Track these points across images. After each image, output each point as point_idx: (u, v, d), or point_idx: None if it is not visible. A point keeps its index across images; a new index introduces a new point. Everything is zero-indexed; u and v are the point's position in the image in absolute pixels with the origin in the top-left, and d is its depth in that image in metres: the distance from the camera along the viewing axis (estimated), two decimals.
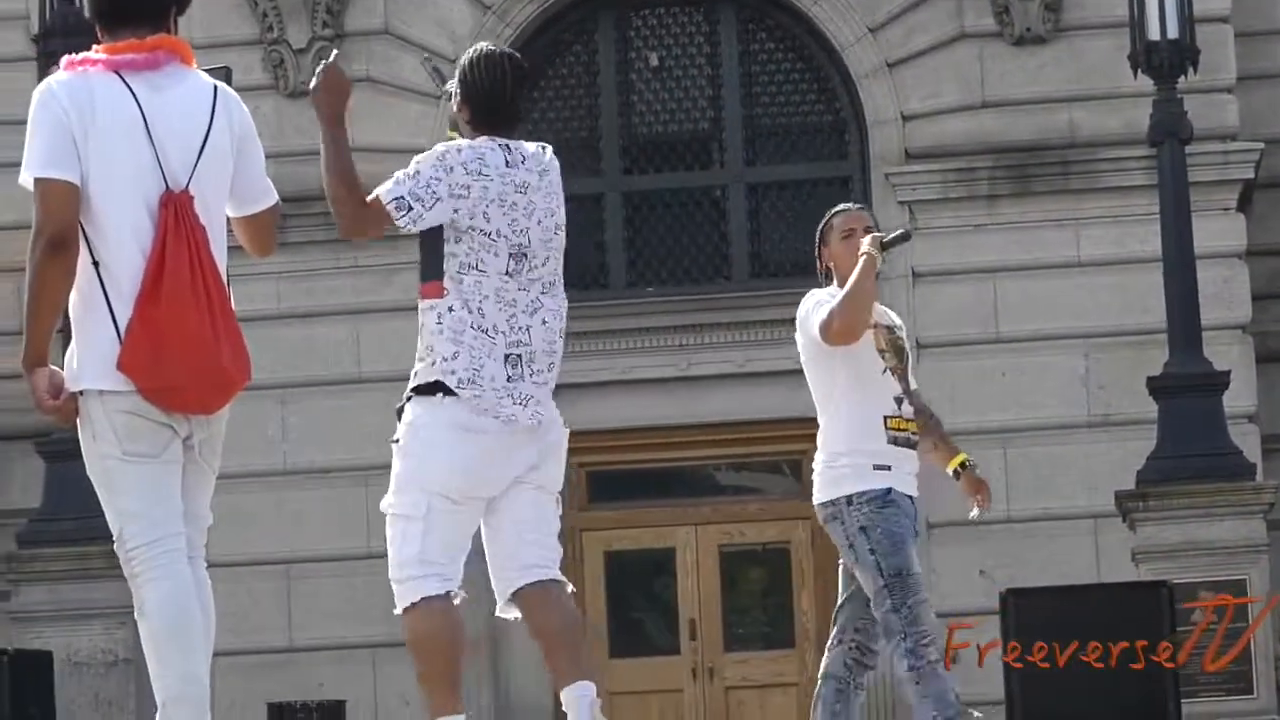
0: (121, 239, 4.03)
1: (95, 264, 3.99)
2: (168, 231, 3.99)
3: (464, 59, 4.74)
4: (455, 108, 4.72)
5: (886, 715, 13.96)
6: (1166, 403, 12.17)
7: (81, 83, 4.06)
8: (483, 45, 4.92)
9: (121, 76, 4.06)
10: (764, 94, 14.44)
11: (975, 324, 13.75)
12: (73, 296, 3.98)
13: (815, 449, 15.08)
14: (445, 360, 4.44)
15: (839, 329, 5.80)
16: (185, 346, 3.99)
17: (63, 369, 3.89)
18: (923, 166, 14.03)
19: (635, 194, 14.79)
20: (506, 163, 4.56)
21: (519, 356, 4.49)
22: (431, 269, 4.61)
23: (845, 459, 5.97)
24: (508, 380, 4.45)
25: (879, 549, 5.83)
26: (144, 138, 4.02)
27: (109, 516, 4.14)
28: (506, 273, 4.57)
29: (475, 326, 4.46)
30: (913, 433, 6.02)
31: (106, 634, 11.60)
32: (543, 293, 4.65)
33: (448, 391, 4.42)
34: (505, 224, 4.57)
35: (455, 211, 4.48)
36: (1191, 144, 12.32)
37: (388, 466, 4.79)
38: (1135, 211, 13.28)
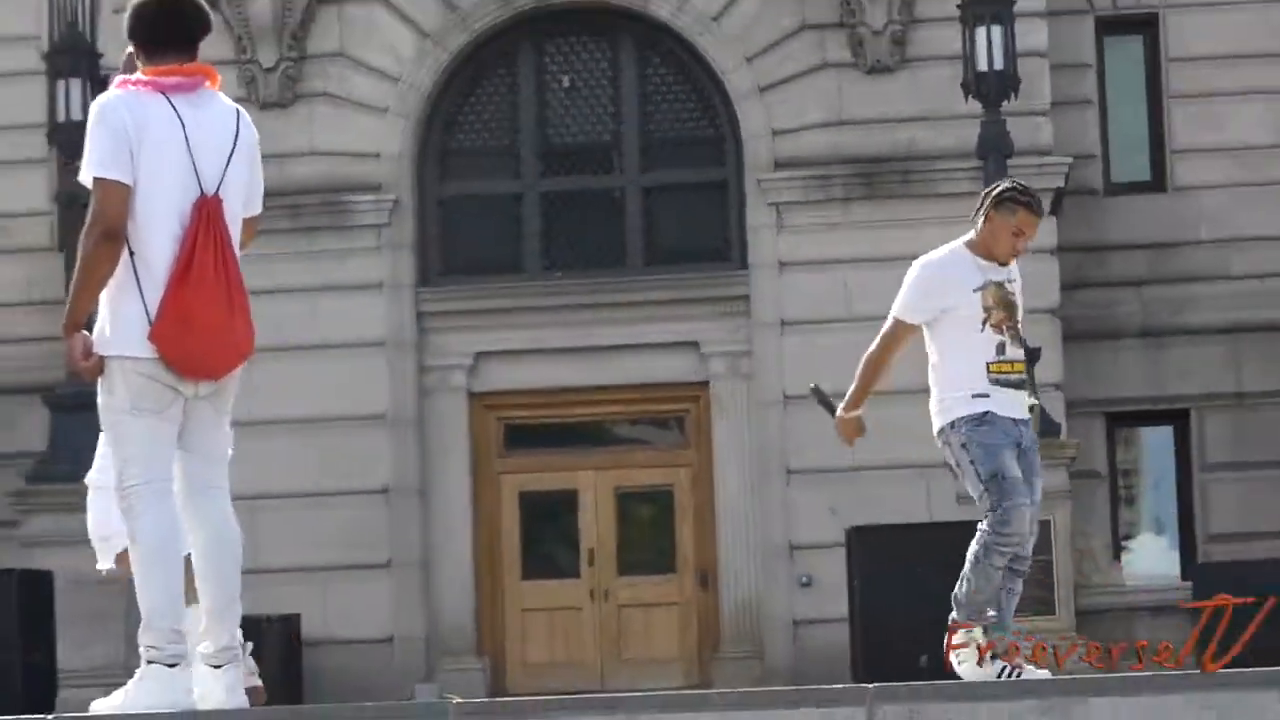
0: (158, 234, 4.26)
1: (131, 254, 4.27)
2: (199, 230, 4.27)
3: None
4: None
5: (752, 622, 15.07)
6: None
7: (136, 100, 4.29)
8: None
9: (168, 97, 4.32)
10: (657, 111, 15.58)
11: (833, 306, 14.71)
12: None
13: (697, 408, 16.60)
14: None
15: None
16: (206, 324, 4.28)
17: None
18: (788, 174, 15.18)
19: (549, 193, 15.78)
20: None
21: None
22: None
23: (950, 396, 6.02)
24: None
25: (976, 458, 5.89)
26: (184, 151, 4.27)
27: (113, 460, 4.55)
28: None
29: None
30: (1019, 373, 6.08)
31: None
32: None
33: None
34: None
35: None
36: (1012, 158, 13.63)
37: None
38: (965, 214, 14.41)
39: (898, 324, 5.93)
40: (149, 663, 4.56)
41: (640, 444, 16.64)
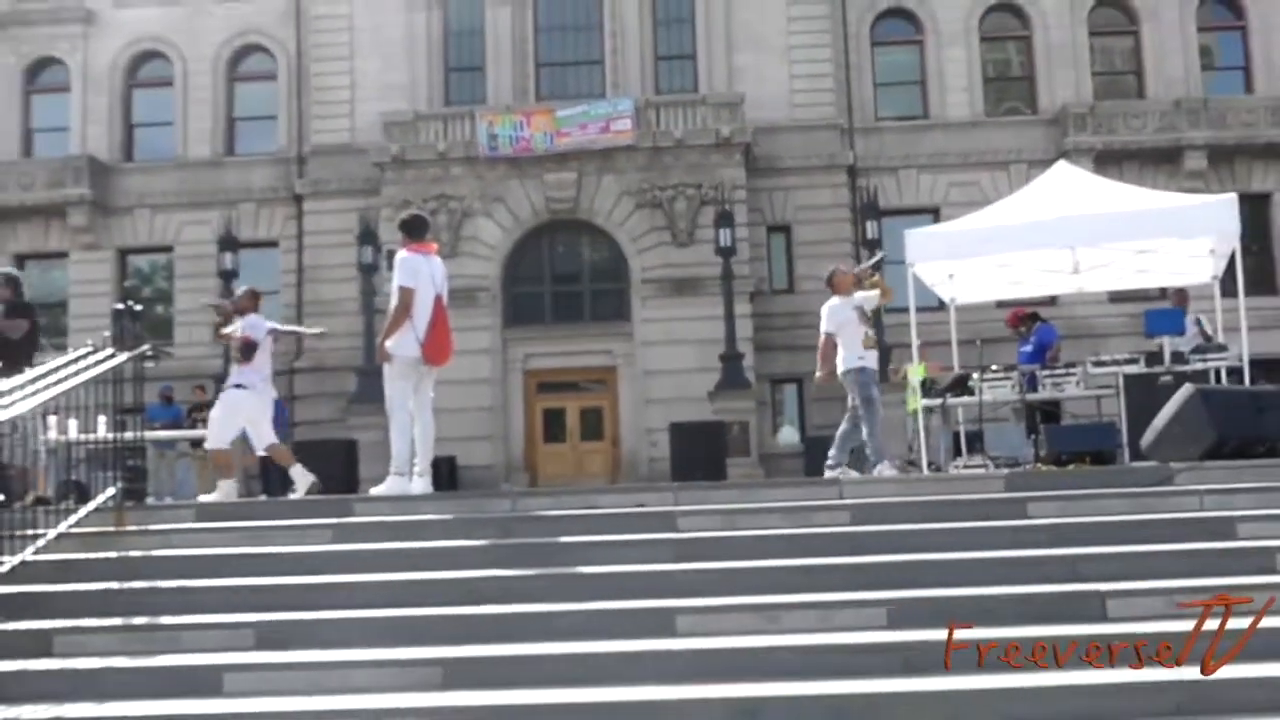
0: (424, 309, 8.94)
1: (411, 317, 8.84)
2: (440, 308, 9.03)
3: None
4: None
5: (632, 462, 27.48)
6: None
7: (423, 256, 8.98)
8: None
9: (425, 255, 9.02)
10: (598, 255, 30.34)
11: (661, 338, 28.84)
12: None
13: (612, 376, 32.03)
14: None
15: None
16: (438, 345, 8.99)
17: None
18: (648, 285, 29.76)
19: (557, 273, 30.18)
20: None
21: None
22: None
23: (852, 355, 10.68)
24: None
25: (860, 390, 10.60)
26: (430, 278, 9.03)
27: (388, 398, 9.06)
28: None
29: None
30: (873, 344, 10.68)
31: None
32: None
33: None
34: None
35: None
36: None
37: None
38: (715, 312, 29.06)
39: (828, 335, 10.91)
40: (394, 473, 9.03)
41: (590, 391, 29.18)
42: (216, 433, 10.71)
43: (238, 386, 10.68)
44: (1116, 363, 13.41)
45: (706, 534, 7.79)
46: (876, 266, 12.90)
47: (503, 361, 28.62)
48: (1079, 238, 13.78)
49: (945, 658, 5.83)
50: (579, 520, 8.06)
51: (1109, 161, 29.09)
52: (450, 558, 7.43)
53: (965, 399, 14.07)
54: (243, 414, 10.67)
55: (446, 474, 22.37)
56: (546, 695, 5.74)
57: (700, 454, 20.26)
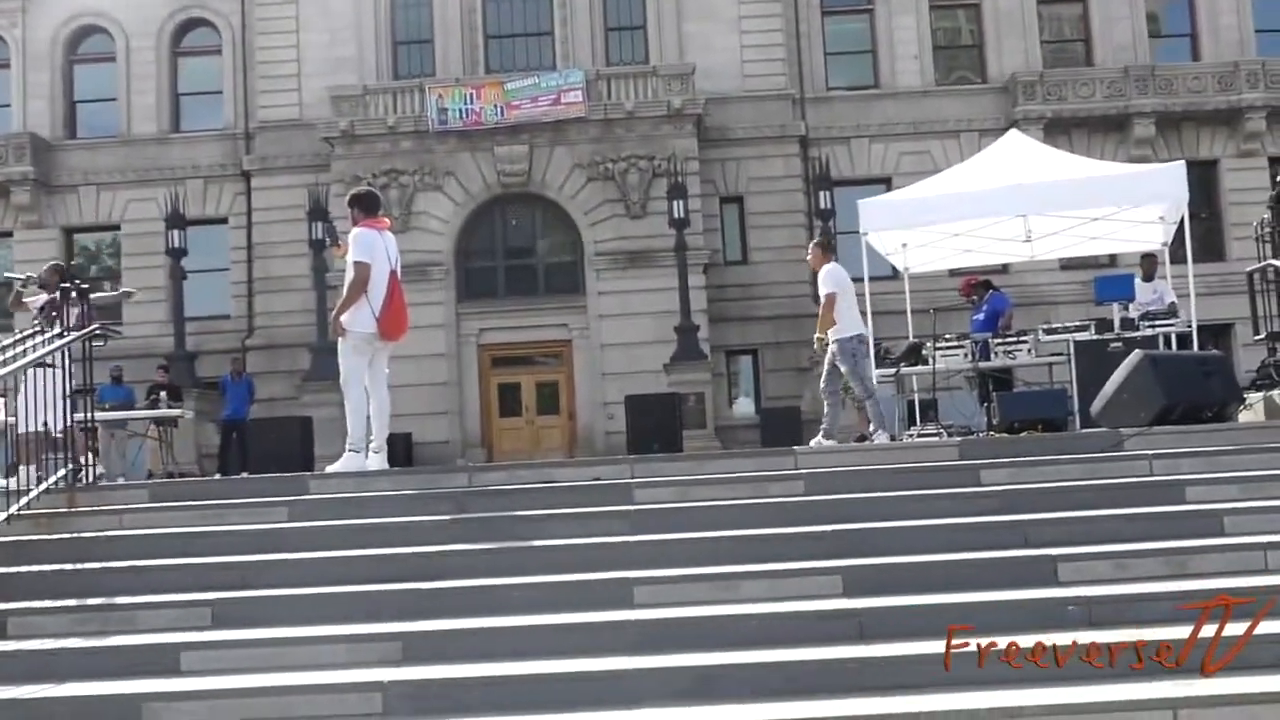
0: (379, 285, 8.88)
1: (366, 292, 8.80)
2: (395, 284, 9.06)
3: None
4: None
5: (588, 435, 27.43)
6: None
7: (377, 232, 8.98)
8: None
9: (379, 230, 9.07)
10: (553, 232, 29.99)
11: (614, 310, 29.00)
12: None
13: (567, 349, 31.97)
14: None
15: None
16: (395, 321, 8.96)
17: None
18: (602, 257, 29.28)
19: (510, 248, 30.35)
20: None
21: None
22: None
23: (850, 328, 11.04)
24: None
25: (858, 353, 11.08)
26: (385, 253, 9.02)
27: (343, 374, 8.95)
28: None
29: None
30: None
31: None
32: None
33: None
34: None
35: None
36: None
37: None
38: (668, 284, 29.13)
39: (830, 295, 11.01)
40: (350, 450, 9.10)
41: (545, 365, 29.15)
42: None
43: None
44: (1067, 330, 13.59)
45: (663, 505, 7.84)
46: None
47: (457, 336, 28.58)
48: (1030, 206, 13.93)
49: (902, 625, 5.90)
50: (536, 494, 8.08)
51: (1058, 130, 29.44)
52: (407, 533, 7.44)
53: (919, 368, 14.21)
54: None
55: (402, 450, 22.39)
56: (507, 668, 5.78)
57: (656, 426, 20.28)
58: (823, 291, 11.17)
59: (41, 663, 6.08)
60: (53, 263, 11.60)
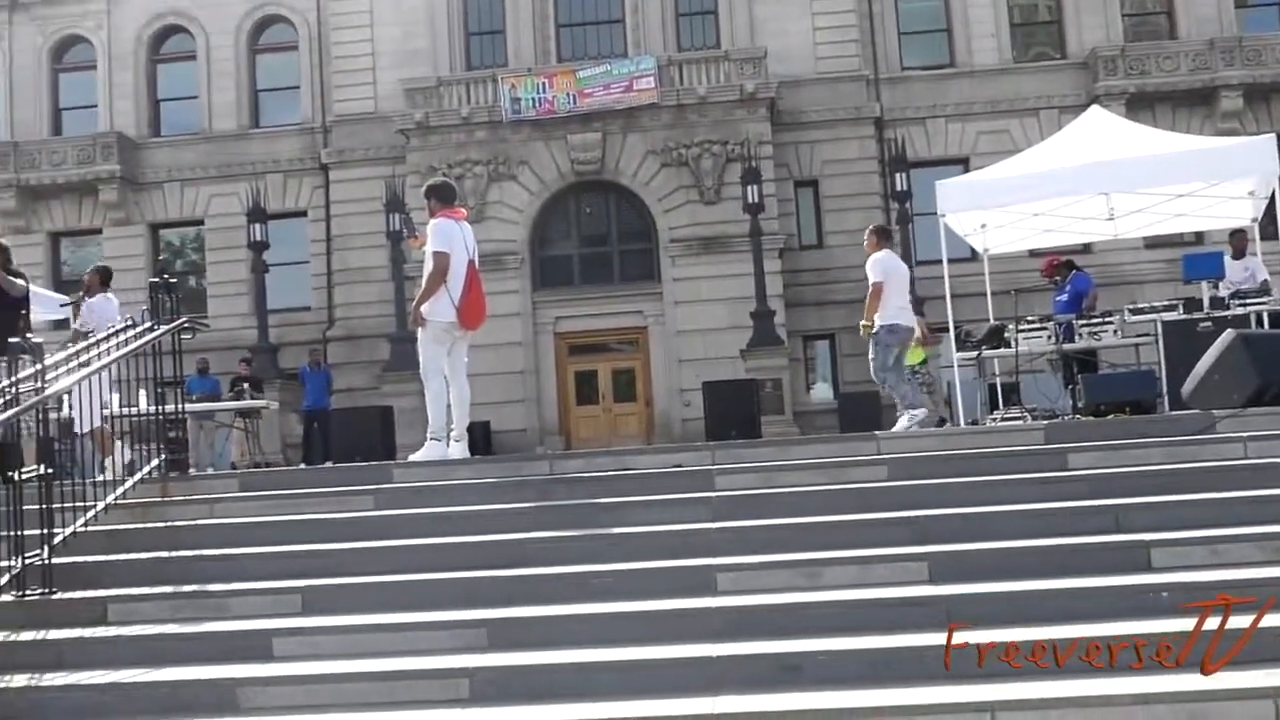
0: (458, 275, 8.84)
1: (445, 282, 8.77)
2: (473, 273, 8.99)
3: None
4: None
5: (665, 422, 27.29)
6: None
7: (454, 222, 8.91)
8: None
9: (457, 220, 8.89)
10: (626, 223, 30.21)
11: (689, 297, 29.25)
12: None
13: (643, 336, 32.09)
14: None
15: None
16: (474, 310, 8.96)
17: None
18: (676, 244, 29.47)
19: (585, 255, 28.84)
20: None
21: None
22: None
23: (885, 318, 10.91)
24: None
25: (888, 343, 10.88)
26: (463, 243, 8.93)
27: (422, 363, 8.89)
28: None
29: None
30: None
31: None
32: None
33: None
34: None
35: None
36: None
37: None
38: (743, 270, 28.76)
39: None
40: (431, 439, 9.07)
41: (621, 352, 29.07)
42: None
43: None
44: (1155, 310, 13.27)
45: (744, 492, 7.81)
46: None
47: (533, 325, 28.64)
48: (1113, 183, 13.62)
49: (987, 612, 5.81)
50: (617, 481, 8.09)
51: (1142, 105, 28.77)
52: (490, 521, 7.50)
53: (1000, 351, 13.99)
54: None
55: (481, 439, 22.61)
56: (591, 654, 5.81)
57: (734, 412, 19.85)
58: (871, 280, 11.11)
59: (140, 647, 6.25)
60: (97, 265, 11.86)
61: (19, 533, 6.79)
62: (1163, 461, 7.83)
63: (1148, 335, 13.34)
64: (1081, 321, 13.86)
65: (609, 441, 26.62)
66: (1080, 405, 12.72)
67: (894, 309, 11.20)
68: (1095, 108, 17.18)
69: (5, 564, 6.77)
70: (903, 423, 10.72)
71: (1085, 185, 13.62)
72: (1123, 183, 13.59)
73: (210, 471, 14.70)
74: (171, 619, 6.60)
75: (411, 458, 9.23)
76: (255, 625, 6.38)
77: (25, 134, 32.32)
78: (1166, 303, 13.61)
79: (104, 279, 11.35)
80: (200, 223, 32.02)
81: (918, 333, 15.79)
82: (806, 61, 29.74)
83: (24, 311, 10.08)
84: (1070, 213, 14.82)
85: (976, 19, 30.59)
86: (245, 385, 20.21)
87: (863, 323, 11.33)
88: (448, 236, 9.08)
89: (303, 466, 18.49)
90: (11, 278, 10.19)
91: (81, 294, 11.34)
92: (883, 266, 11.16)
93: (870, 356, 11.29)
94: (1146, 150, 13.74)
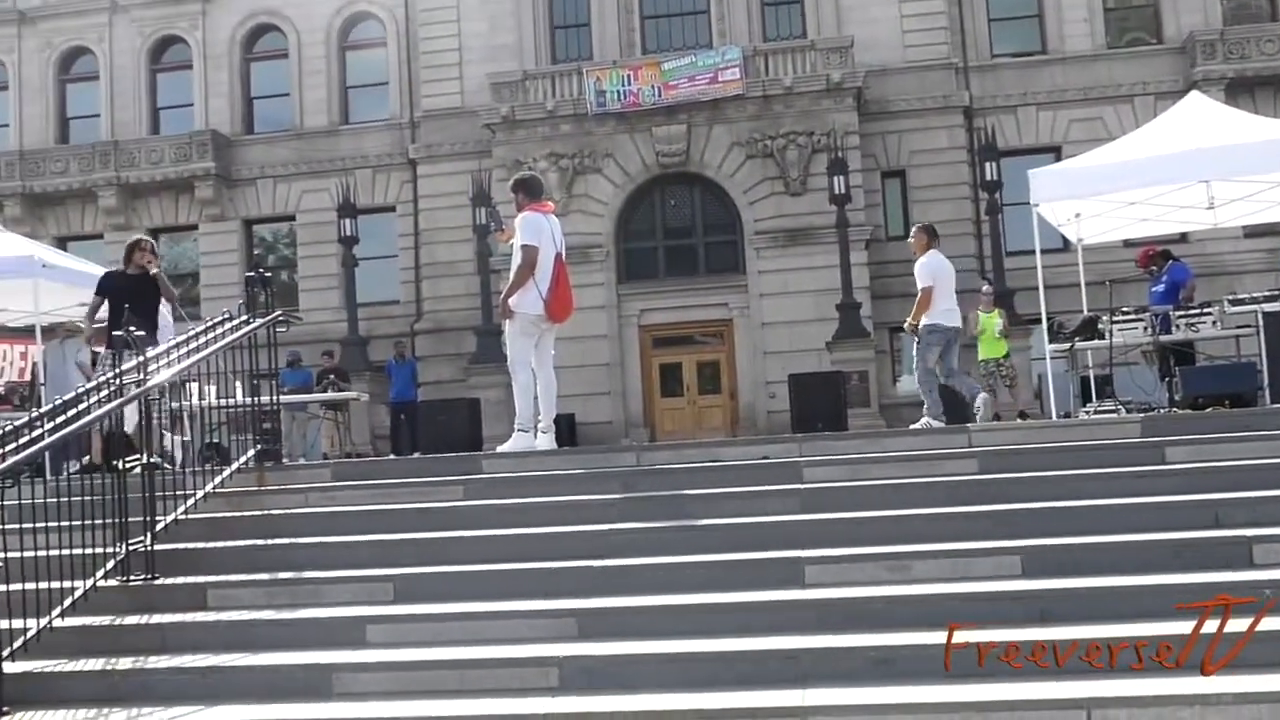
0: (546, 268, 8.93)
1: (533, 275, 8.85)
2: (561, 266, 9.10)
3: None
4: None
5: (750, 414, 27.24)
6: None
7: (543, 215, 9.05)
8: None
9: (545, 214, 9.11)
10: (711, 212, 29.81)
11: (774, 289, 29.19)
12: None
13: (728, 329, 31.84)
14: None
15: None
16: (562, 302, 9.04)
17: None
18: (761, 236, 29.29)
19: (670, 247, 28.78)
20: None
21: None
22: None
23: (939, 315, 11.07)
24: None
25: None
26: (551, 236, 9.08)
27: (510, 355, 9.14)
28: None
29: None
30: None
31: None
32: None
33: None
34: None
35: None
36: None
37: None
38: (832, 262, 28.51)
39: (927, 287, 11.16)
40: (519, 430, 9.19)
41: (706, 345, 28.94)
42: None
43: None
44: (1255, 300, 12.87)
45: (832, 484, 7.75)
46: None
47: (618, 317, 28.71)
48: (1213, 171, 13.22)
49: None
50: (704, 473, 8.08)
51: (1241, 90, 27.96)
52: (578, 511, 7.54)
53: (1094, 343, 13.70)
54: None
55: (566, 431, 22.74)
56: (679, 645, 5.82)
57: (820, 405, 19.84)
58: (920, 284, 11.17)
59: (238, 632, 6.40)
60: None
61: (124, 520, 6.99)
62: (1264, 456, 7.61)
63: (1248, 326, 12.96)
64: (1179, 312, 13.50)
65: (693, 434, 26.63)
66: (1177, 398, 12.40)
67: (941, 310, 11.21)
68: (1195, 93, 16.70)
69: (111, 550, 6.96)
70: (919, 424, 10.83)
71: (1185, 173, 13.25)
72: (1224, 170, 13.19)
73: (303, 461, 14.98)
74: (268, 605, 6.74)
75: (499, 449, 9.31)
76: (349, 612, 6.50)
77: (125, 133, 33.27)
78: (1268, 293, 13.21)
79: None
80: (292, 218, 32.65)
81: (999, 324, 15.55)
82: (894, 50, 29.38)
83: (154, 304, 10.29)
84: (1168, 201, 14.42)
85: (1069, 4, 30.00)
86: (332, 377, 20.60)
87: (909, 322, 11.30)
88: (536, 230, 9.11)
89: (392, 457, 18.76)
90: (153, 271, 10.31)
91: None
92: (931, 269, 11.22)
93: (914, 355, 11.33)
94: (1247, 137, 13.32)
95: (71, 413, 6.84)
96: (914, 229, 11.87)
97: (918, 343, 11.28)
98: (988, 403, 10.92)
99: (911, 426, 10.74)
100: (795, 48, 28.75)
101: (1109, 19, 30.35)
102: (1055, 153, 28.05)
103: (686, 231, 29.47)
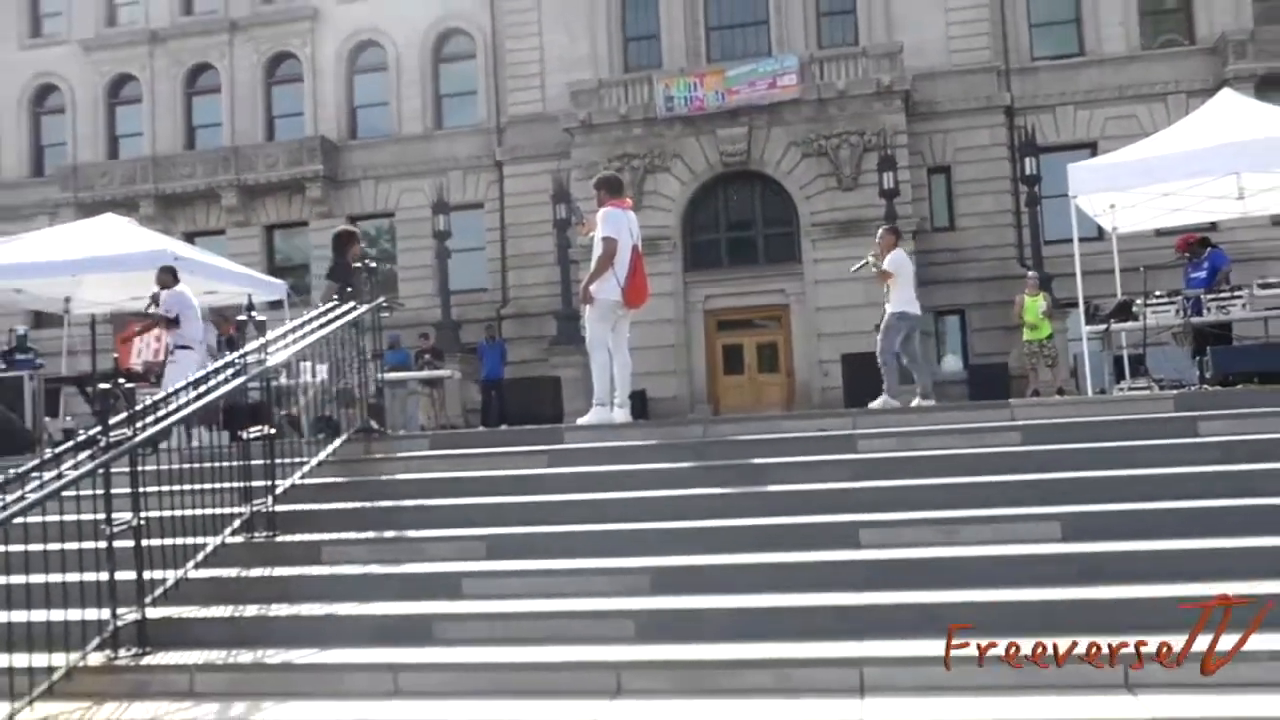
0: (623, 259, 8.87)
1: (613, 265, 8.82)
2: (637, 257, 9.03)
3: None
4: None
5: (805, 391, 27.32)
6: None
7: (622, 210, 8.94)
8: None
9: (624, 209, 9.00)
10: (769, 208, 30.03)
11: (829, 277, 28.81)
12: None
13: (785, 313, 32.26)
14: None
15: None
16: (638, 290, 9.01)
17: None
18: (816, 227, 28.74)
19: (730, 239, 28.92)
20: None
21: None
22: None
23: (899, 306, 11.40)
24: None
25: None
26: (629, 230, 8.97)
27: (589, 338, 9.07)
28: None
29: None
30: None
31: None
32: None
33: None
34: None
35: None
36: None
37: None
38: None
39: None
40: (596, 405, 9.28)
41: (765, 328, 28.87)
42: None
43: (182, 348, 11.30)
44: None
45: (884, 455, 7.67)
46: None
47: (684, 303, 28.66)
48: (1244, 163, 12.82)
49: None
50: (766, 444, 8.04)
51: (1272, 87, 27.03)
52: (652, 478, 7.54)
53: (1129, 324, 13.38)
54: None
55: (638, 406, 23.29)
56: (744, 600, 5.81)
57: (871, 382, 19.61)
58: (890, 270, 11.64)
59: (349, 584, 6.50)
60: (163, 265, 12.65)
61: (248, 484, 7.13)
62: None
63: (1277, 309, 12.57)
64: (1210, 295, 13.13)
65: (753, 409, 26.50)
66: (1208, 376, 12.06)
67: (907, 299, 11.57)
68: (1226, 90, 16.22)
69: (237, 510, 7.11)
70: (878, 403, 11.04)
71: (1217, 166, 12.87)
72: (1255, 162, 12.79)
73: (403, 433, 15.13)
74: (375, 560, 6.84)
75: (579, 421, 9.31)
76: (447, 568, 6.57)
77: (244, 140, 33.85)
78: None
79: (174, 275, 12.43)
80: (391, 215, 33.00)
81: (1043, 307, 15.16)
82: (940, 54, 28.93)
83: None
84: (1199, 192, 14.02)
85: (1106, 8, 29.23)
86: (428, 356, 20.84)
87: (872, 258, 11.72)
88: (616, 224, 9.08)
89: (482, 429, 18.94)
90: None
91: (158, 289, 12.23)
92: (897, 263, 11.65)
93: (879, 336, 11.77)
94: (1278, 130, 12.89)
95: (203, 388, 6.98)
96: (881, 230, 12.28)
97: (887, 327, 11.69)
98: (887, 405, 10.95)
99: (870, 405, 10.75)
100: (848, 54, 28.40)
101: (1144, 21, 29.56)
102: (1091, 148, 27.38)
103: (747, 224, 29.33)
